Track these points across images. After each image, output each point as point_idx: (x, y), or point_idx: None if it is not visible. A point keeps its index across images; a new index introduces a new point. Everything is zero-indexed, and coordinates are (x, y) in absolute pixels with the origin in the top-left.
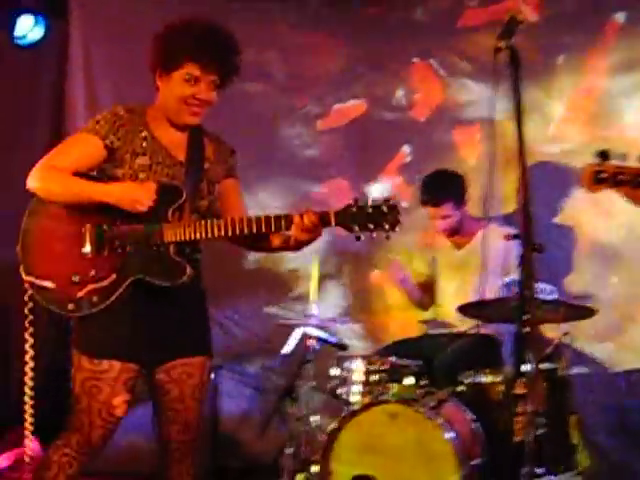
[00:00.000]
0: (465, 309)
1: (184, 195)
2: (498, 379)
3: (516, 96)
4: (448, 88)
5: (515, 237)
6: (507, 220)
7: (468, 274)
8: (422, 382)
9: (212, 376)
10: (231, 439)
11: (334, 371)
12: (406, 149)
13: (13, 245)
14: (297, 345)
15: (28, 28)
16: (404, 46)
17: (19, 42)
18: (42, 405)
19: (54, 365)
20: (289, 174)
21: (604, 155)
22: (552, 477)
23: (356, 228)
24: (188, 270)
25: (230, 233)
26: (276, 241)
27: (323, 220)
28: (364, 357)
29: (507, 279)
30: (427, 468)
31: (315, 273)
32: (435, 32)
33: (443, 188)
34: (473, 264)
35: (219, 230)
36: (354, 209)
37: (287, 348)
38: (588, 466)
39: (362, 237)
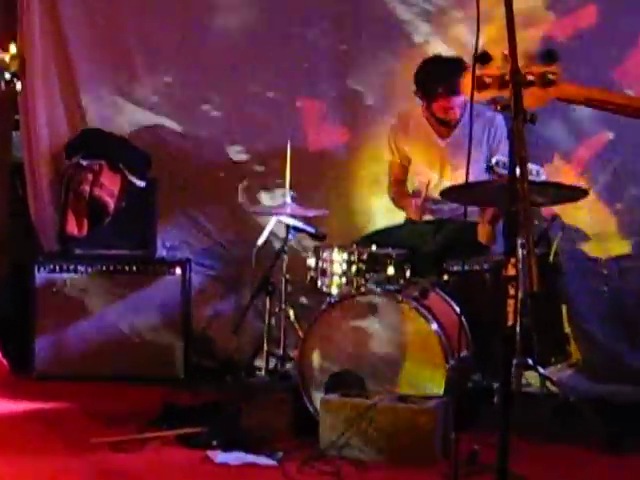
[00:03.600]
0: (449, 193)
1: None
2: (485, 266)
3: None
4: None
5: (504, 108)
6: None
7: (456, 161)
8: (405, 272)
9: (178, 271)
10: (204, 337)
11: (311, 262)
12: None
13: None
14: (271, 235)
15: None
16: None
17: None
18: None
19: (17, 260)
20: None
21: (485, 58)
22: (543, 369)
23: None
24: None
25: None
26: None
27: None
28: (343, 247)
29: (493, 160)
30: (411, 361)
31: (289, 161)
32: None
33: (457, 75)
34: (460, 151)
35: None
36: None
37: (261, 239)
38: (580, 357)
39: None
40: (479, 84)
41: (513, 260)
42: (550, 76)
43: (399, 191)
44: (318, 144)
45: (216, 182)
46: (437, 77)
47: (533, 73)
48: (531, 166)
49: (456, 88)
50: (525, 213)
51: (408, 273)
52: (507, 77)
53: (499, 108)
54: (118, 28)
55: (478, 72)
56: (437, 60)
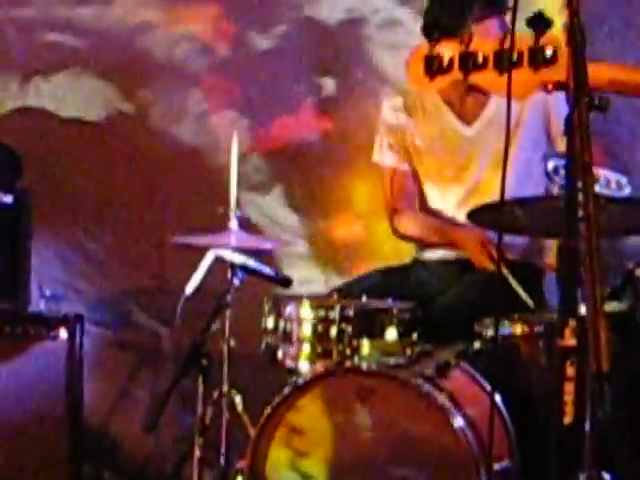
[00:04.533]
0: (478, 215)
1: None
2: (537, 330)
3: None
4: None
5: (560, 87)
6: None
7: (482, 161)
8: (413, 336)
9: (63, 334)
10: (104, 436)
11: (268, 322)
12: None
13: None
14: (207, 279)
15: None
16: None
17: None
18: None
19: None
20: None
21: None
22: None
23: None
24: None
25: None
26: None
27: None
28: (317, 297)
29: (550, 164)
30: (423, 475)
31: (234, 162)
32: None
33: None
34: (491, 145)
35: None
36: None
37: (190, 285)
38: None
39: None
40: (431, 66)
41: (573, 323)
42: (546, 51)
43: (426, 222)
44: (280, 136)
45: (123, 194)
46: (460, 6)
47: (520, 49)
48: (606, 175)
49: (482, 14)
50: (590, 248)
51: (418, 338)
52: (482, 56)
53: (551, 87)
54: None
55: (429, 49)
56: None
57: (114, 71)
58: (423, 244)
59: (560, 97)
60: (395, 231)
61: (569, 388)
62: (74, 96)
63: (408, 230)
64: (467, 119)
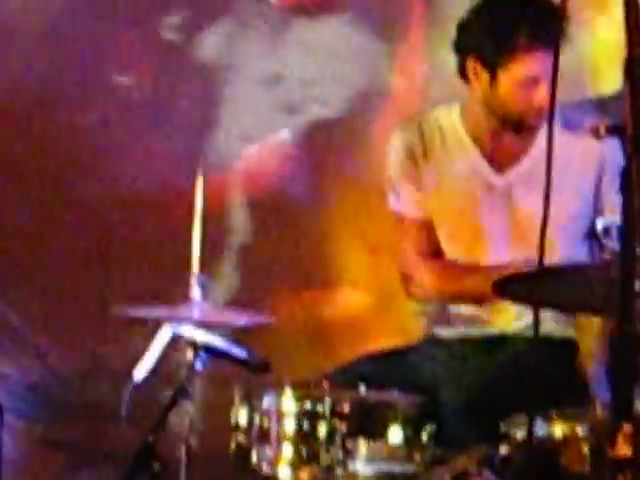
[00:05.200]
0: (507, 287)
1: None
2: (580, 430)
3: None
4: None
5: (614, 131)
6: (594, 109)
7: (520, 217)
8: (422, 438)
9: None
10: None
11: (240, 416)
12: None
13: None
14: (161, 362)
15: None
16: None
17: None
18: None
19: None
20: None
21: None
22: None
23: None
24: None
25: None
26: None
27: None
28: (302, 386)
29: (600, 224)
30: None
31: (198, 213)
32: None
33: (549, 21)
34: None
35: None
36: None
37: (141, 369)
38: None
39: None
40: None
41: (628, 428)
42: None
43: (455, 266)
44: (255, 183)
45: (56, 251)
46: (514, 16)
47: None
48: None
49: (542, 42)
50: None
51: (429, 440)
52: None
53: (603, 131)
54: None
55: None
56: None
57: None
58: (447, 298)
59: (615, 144)
60: (411, 293)
61: None
62: None
63: (430, 282)
64: (499, 165)
